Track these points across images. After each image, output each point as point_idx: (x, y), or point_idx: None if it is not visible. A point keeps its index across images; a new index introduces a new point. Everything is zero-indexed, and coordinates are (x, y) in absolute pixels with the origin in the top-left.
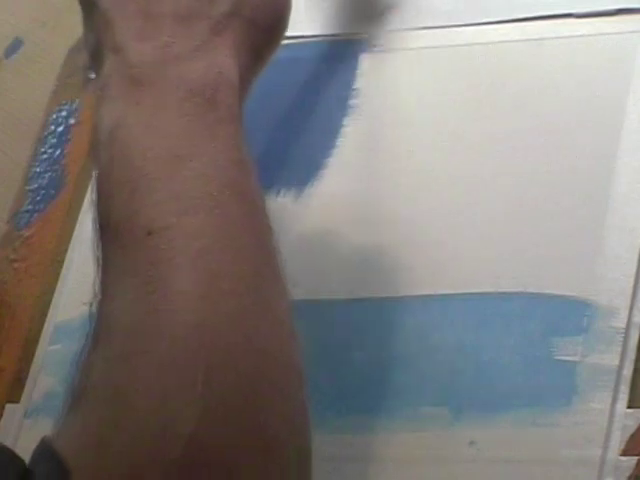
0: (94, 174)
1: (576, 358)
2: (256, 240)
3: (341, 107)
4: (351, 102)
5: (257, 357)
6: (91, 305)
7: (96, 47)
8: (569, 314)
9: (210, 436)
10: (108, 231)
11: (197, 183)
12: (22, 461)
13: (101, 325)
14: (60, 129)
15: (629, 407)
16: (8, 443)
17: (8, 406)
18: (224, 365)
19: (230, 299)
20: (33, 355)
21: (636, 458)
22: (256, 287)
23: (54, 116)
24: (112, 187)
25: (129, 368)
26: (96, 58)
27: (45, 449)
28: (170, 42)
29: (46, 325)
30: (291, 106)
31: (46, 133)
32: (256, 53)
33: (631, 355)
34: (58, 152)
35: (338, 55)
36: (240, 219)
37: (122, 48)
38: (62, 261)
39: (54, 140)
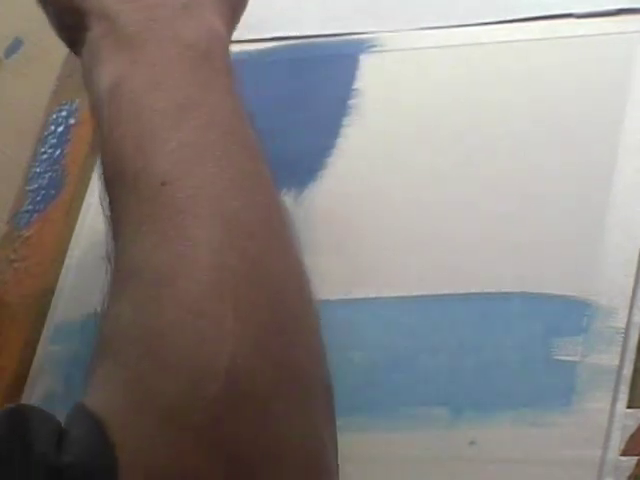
0: (98, 134)
1: (576, 358)
2: (261, 186)
3: (341, 107)
4: (351, 102)
5: (278, 293)
6: (108, 260)
7: (73, 18)
8: (569, 314)
9: (244, 370)
10: (121, 185)
11: (203, 132)
12: (58, 421)
13: (123, 273)
14: (60, 129)
15: (629, 407)
16: None
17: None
18: (249, 302)
19: (247, 241)
20: (33, 355)
21: (636, 458)
22: (269, 229)
23: (54, 116)
24: (121, 142)
25: (159, 310)
26: (74, 29)
27: (79, 410)
28: (158, 2)
29: (46, 325)
30: (291, 106)
31: (46, 133)
32: (233, 10)
33: (631, 355)
34: (58, 152)
35: (338, 55)
36: (245, 165)
37: (110, 13)
38: (62, 261)
39: (54, 140)
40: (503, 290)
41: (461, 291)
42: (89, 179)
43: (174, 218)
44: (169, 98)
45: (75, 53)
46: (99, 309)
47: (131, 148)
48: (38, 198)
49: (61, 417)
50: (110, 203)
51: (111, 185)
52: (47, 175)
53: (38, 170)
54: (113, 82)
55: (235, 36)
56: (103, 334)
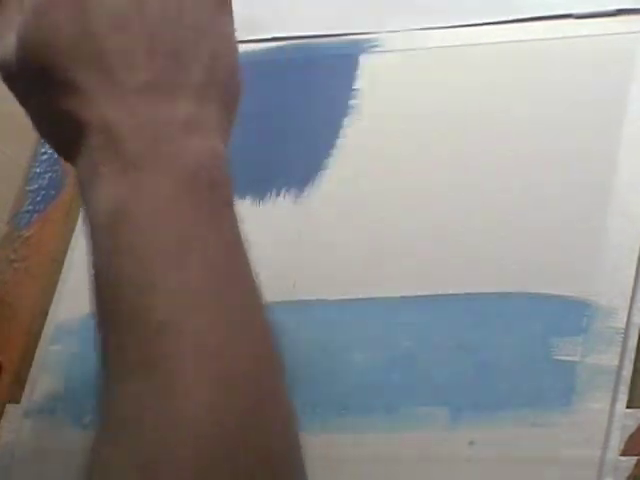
0: (91, 257)
1: (576, 358)
2: (260, 338)
3: (341, 107)
4: (351, 102)
5: (270, 459)
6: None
7: (70, 127)
8: (569, 314)
9: None
10: (116, 322)
11: (204, 273)
12: None
13: (111, 418)
14: None
15: (628, 407)
16: (8, 443)
17: (8, 406)
18: (244, 470)
19: (241, 400)
20: (33, 355)
21: (635, 458)
22: (261, 384)
23: None
24: (119, 276)
25: (145, 465)
26: (69, 138)
27: None
28: (159, 117)
29: (46, 325)
30: (291, 106)
31: None
32: (230, 119)
33: (630, 355)
34: None
35: (338, 55)
36: (245, 314)
37: (112, 127)
38: (62, 261)
39: None
40: (503, 290)
41: (461, 291)
42: None
43: (167, 364)
44: (171, 234)
45: (66, 160)
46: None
47: (129, 285)
48: (38, 198)
49: (61, 417)
50: (100, 330)
51: (103, 317)
52: (47, 175)
53: (38, 170)
54: (114, 208)
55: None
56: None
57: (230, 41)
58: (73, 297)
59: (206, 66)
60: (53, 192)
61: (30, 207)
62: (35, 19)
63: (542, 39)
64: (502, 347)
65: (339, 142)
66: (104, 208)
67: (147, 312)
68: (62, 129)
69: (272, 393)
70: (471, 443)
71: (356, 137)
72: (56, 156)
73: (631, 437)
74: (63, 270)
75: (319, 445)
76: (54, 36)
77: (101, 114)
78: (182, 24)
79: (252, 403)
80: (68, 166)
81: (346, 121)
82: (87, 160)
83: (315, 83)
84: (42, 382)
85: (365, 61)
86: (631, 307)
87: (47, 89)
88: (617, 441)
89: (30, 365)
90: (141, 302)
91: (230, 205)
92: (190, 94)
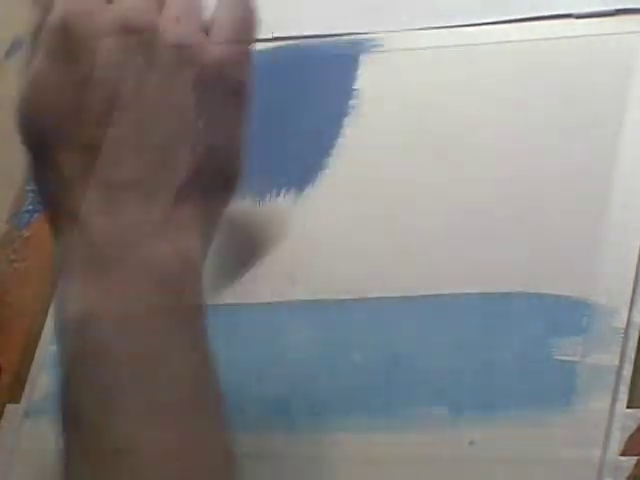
0: (58, 350)
1: (576, 358)
2: (219, 464)
3: (341, 107)
4: (351, 102)
5: None
6: None
7: (52, 199)
8: (569, 314)
9: None
10: (77, 436)
11: (169, 388)
12: None
13: None
14: None
15: (628, 407)
16: (8, 443)
17: (8, 406)
18: None
19: None
20: (33, 355)
21: (635, 458)
22: None
23: None
24: (82, 386)
25: None
26: (52, 208)
27: None
28: (134, 218)
29: (46, 325)
30: (291, 106)
31: None
32: (214, 221)
33: (631, 355)
34: None
35: (338, 55)
36: (208, 438)
37: (85, 222)
38: None
39: None
40: (503, 290)
41: (461, 291)
42: None
43: None
44: (137, 347)
45: (50, 224)
46: None
47: (92, 398)
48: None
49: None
50: (62, 428)
51: (68, 426)
52: None
53: None
54: (81, 309)
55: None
56: None
57: (234, 131)
58: None
59: (195, 161)
60: None
61: (30, 207)
62: (32, 92)
63: (542, 39)
64: (502, 347)
65: (339, 142)
66: (73, 307)
67: (106, 434)
68: (47, 198)
69: None
70: (471, 443)
71: (356, 137)
72: None
73: (631, 437)
74: None
75: (319, 445)
76: (44, 113)
77: (76, 206)
78: (176, 119)
79: None
80: None
81: (346, 121)
82: (64, 244)
83: (315, 83)
84: (42, 382)
85: (365, 61)
86: (631, 307)
87: (37, 161)
88: (617, 441)
89: (30, 365)
90: (102, 418)
91: (199, 312)
92: (171, 192)
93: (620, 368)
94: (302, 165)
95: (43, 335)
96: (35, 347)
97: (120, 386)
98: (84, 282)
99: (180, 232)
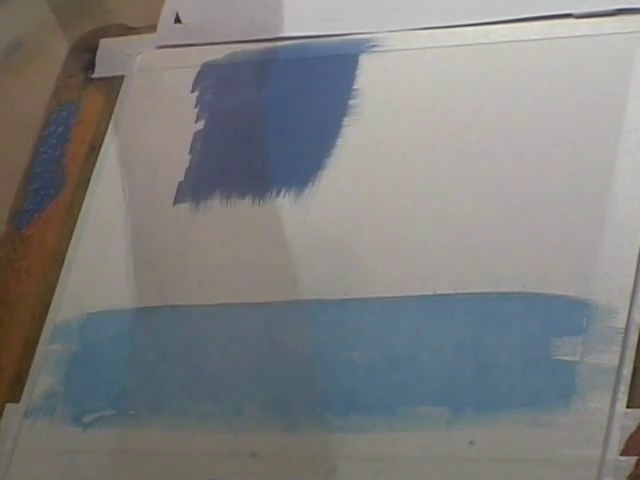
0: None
1: (575, 358)
2: None
3: (341, 107)
4: (351, 102)
5: None
6: None
7: None
8: (569, 314)
9: None
10: None
11: None
12: None
13: None
14: (60, 129)
15: (628, 407)
16: (8, 443)
17: (8, 406)
18: None
19: None
20: (33, 355)
21: (635, 458)
22: None
23: (54, 116)
24: None
25: None
26: None
27: None
28: None
29: (46, 325)
30: (291, 106)
31: (46, 133)
32: None
33: (630, 355)
34: (58, 152)
35: (338, 55)
36: None
37: None
38: (62, 261)
39: (54, 140)
40: (502, 290)
41: (461, 291)
42: (89, 179)
43: None
44: None
45: None
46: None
47: None
48: (38, 198)
49: (61, 416)
50: None
51: None
52: (47, 175)
53: (38, 170)
54: None
55: (236, 36)
56: None
57: None
58: (73, 297)
59: None
60: (53, 192)
61: (30, 206)
62: None
63: (542, 39)
64: (502, 347)
65: (339, 142)
66: None
67: None
68: None
69: None
70: (471, 443)
71: (356, 137)
72: (56, 156)
73: (631, 437)
74: (63, 270)
75: (319, 445)
76: None
77: None
78: None
79: None
80: (68, 166)
81: (346, 121)
82: None
83: (315, 83)
84: (42, 382)
85: (365, 61)
86: (631, 307)
87: None
88: (617, 441)
89: (30, 365)
90: None
91: None
92: None
93: (620, 368)
94: (302, 165)
95: (43, 335)
96: (35, 347)
97: None
98: None
99: None
